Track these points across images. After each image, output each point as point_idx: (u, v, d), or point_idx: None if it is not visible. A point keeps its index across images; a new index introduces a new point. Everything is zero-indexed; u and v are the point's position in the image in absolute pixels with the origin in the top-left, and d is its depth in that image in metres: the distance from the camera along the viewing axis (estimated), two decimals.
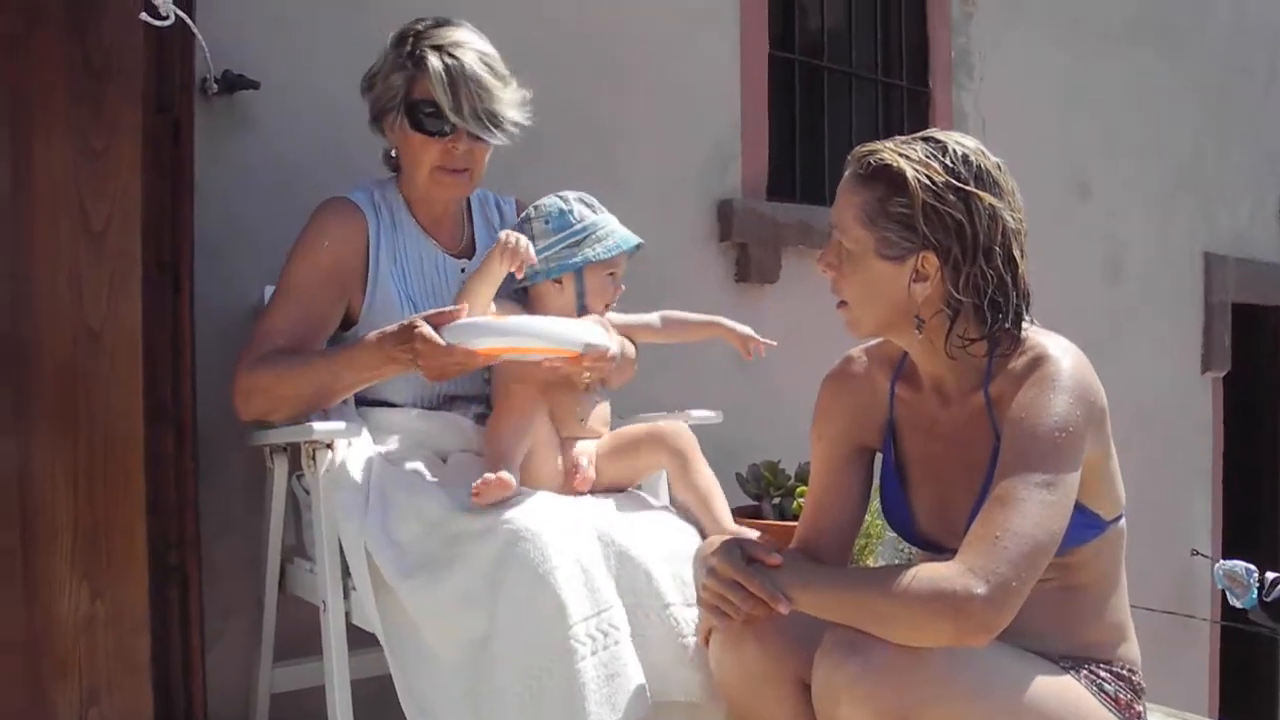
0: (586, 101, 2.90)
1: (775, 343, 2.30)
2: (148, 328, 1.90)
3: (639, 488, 2.18)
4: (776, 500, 2.66)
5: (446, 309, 1.86)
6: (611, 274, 2.11)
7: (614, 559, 1.85)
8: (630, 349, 2.14)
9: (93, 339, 1.85)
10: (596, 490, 2.07)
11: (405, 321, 1.87)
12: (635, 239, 2.12)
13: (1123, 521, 1.68)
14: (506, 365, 1.99)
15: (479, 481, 1.84)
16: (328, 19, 2.47)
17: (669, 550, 1.91)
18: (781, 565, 1.55)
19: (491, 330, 1.86)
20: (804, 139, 3.55)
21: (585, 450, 2.09)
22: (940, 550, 1.63)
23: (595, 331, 1.95)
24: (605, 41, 2.97)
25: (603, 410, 2.14)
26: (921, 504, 1.72)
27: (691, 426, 2.34)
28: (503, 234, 1.98)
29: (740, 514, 2.70)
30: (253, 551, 2.22)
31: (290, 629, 2.18)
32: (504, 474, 1.85)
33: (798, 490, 2.60)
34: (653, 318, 2.28)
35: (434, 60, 2.00)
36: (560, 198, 2.11)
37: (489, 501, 1.84)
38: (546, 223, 2.08)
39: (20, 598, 1.77)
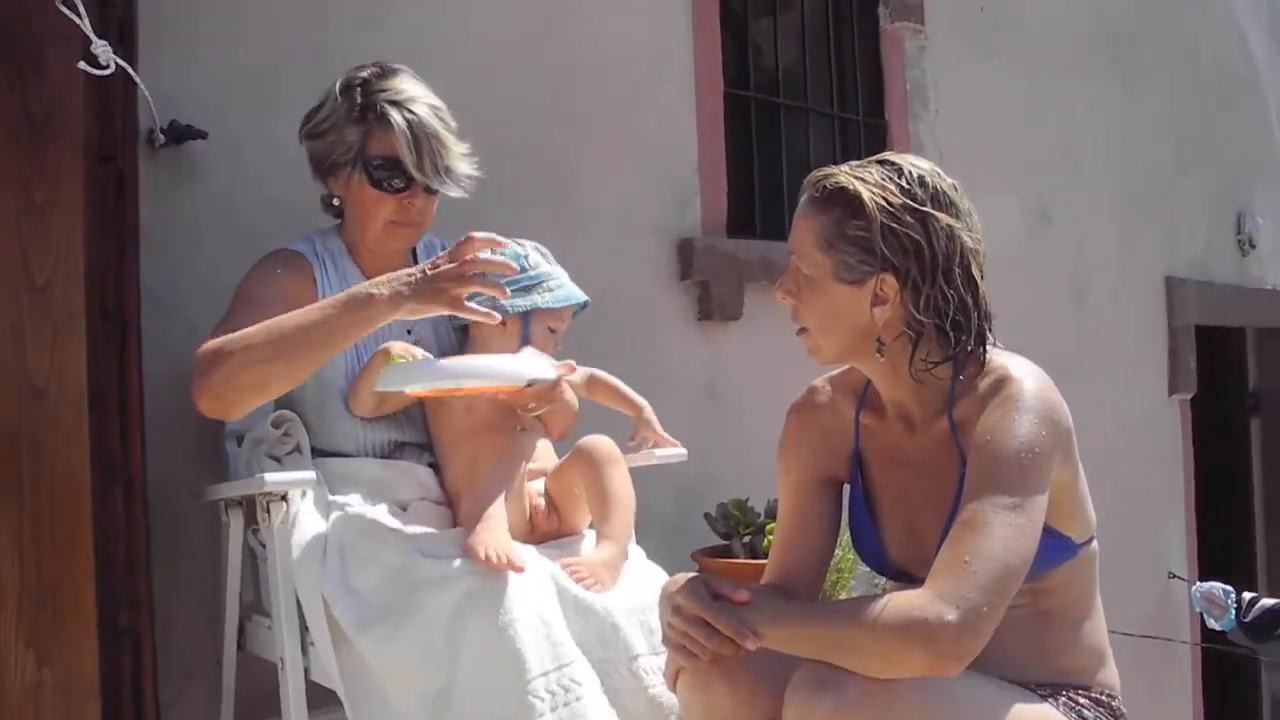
0: (544, 144, 2.88)
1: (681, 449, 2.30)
2: (94, 382, 1.85)
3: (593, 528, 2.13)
4: (747, 539, 2.63)
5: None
6: (553, 330, 2.08)
7: (573, 612, 1.80)
8: (572, 396, 2.10)
9: (37, 395, 1.81)
10: (551, 535, 2.03)
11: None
12: (583, 296, 2.10)
13: (1094, 544, 1.66)
14: (455, 414, 1.96)
15: (490, 559, 1.77)
16: (277, 68, 2.44)
17: (635, 599, 1.87)
18: (749, 601, 1.51)
19: (436, 373, 1.83)
20: (762, 175, 3.54)
21: (536, 489, 2.05)
22: (912, 579, 1.60)
23: (537, 364, 1.92)
24: (562, 84, 2.96)
25: (546, 449, 2.11)
26: (891, 533, 1.69)
27: (657, 466, 2.31)
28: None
29: (711, 553, 2.67)
30: (211, 610, 2.15)
31: (251, 689, 2.11)
32: (513, 558, 1.78)
33: (768, 528, 2.56)
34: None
35: (396, 116, 1.97)
36: (518, 243, 2.09)
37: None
38: None
39: None
